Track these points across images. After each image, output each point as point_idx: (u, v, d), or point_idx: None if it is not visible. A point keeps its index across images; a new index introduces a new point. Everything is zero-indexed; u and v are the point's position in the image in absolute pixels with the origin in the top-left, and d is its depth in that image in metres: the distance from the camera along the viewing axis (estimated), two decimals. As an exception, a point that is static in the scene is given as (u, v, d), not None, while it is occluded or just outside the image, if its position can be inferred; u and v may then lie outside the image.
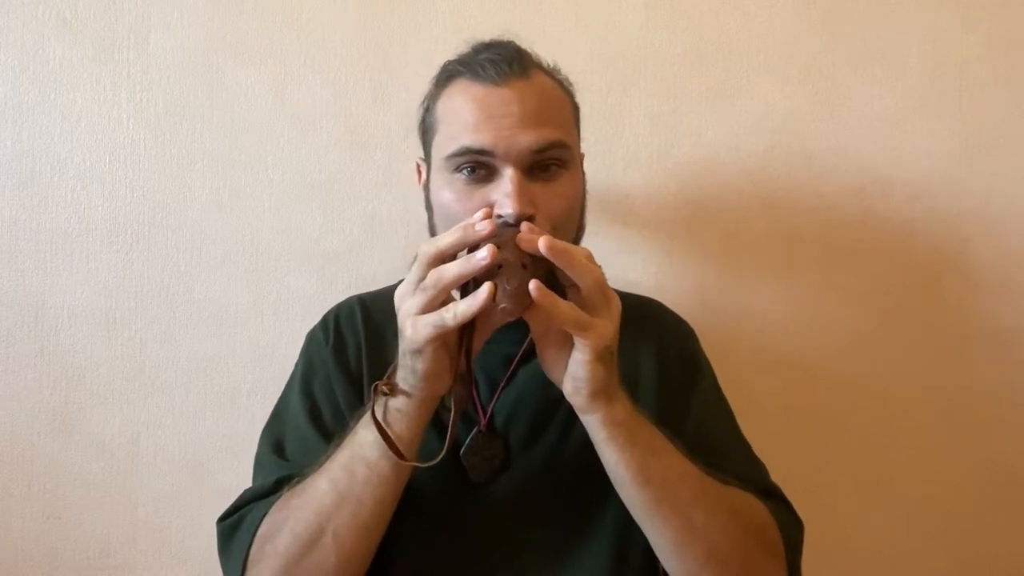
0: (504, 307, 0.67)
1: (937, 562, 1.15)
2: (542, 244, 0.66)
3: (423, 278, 0.69)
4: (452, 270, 0.68)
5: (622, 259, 1.13)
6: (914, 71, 1.12)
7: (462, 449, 0.83)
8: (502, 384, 0.85)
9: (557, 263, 0.67)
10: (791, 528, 0.82)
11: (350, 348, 0.89)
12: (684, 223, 1.13)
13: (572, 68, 1.10)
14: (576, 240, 0.86)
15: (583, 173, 0.88)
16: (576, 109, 0.88)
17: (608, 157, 1.12)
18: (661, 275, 1.13)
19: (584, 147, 1.09)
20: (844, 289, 1.14)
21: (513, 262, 0.68)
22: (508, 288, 0.67)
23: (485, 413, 0.85)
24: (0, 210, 1.13)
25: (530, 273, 0.67)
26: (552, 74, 0.86)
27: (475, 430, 0.84)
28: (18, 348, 1.13)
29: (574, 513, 0.80)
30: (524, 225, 0.70)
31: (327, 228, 1.13)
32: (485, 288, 0.66)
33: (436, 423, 0.80)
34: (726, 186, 1.13)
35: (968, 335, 1.14)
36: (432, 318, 0.68)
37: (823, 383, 1.14)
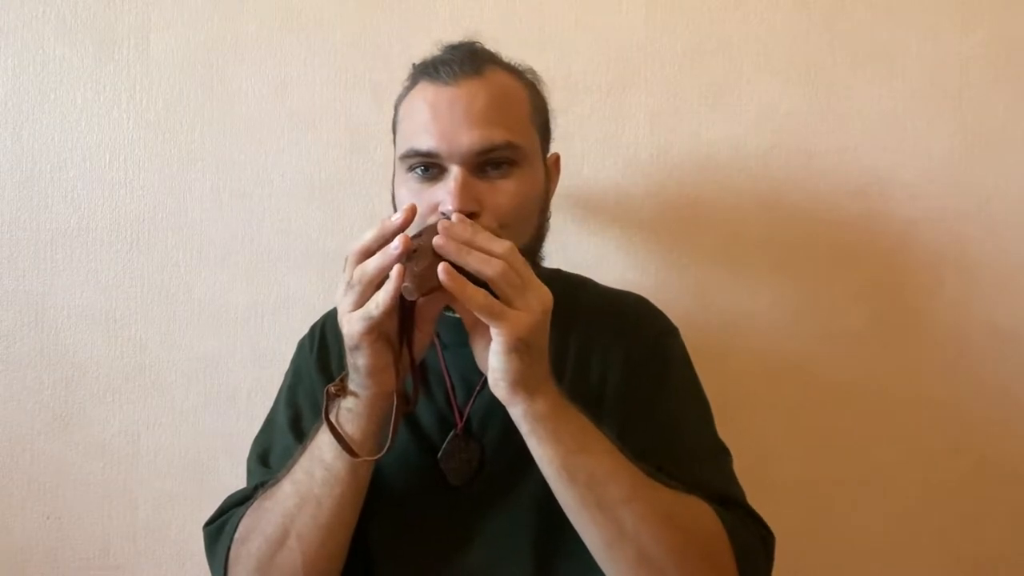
0: (406, 286, 0.67)
1: (935, 562, 1.15)
2: (436, 240, 0.68)
3: (352, 276, 0.71)
4: (372, 263, 0.70)
5: (622, 259, 1.13)
6: (914, 71, 1.12)
7: (440, 453, 0.84)
8: (478, 387, 0.85)
9: (448, 258, 0.68)
10: (747, 537, 0.78)
11: (332, 355, 0.90)
12: (684, 223, 1.13)
13: (572, 68, 1.11)
14: (537, 238, 0.85)
15: (549, 170, 0.88)
16: (539, 107, 0.86)
17: (608, 157, 1.12)
18: (661, 275, 1.13)
19: (584, 147, 1.10)
20: (844, 289, 1.14)
21: (426, 247, 0.69)
22: (416, 270, 0.68)
23: (462, 416, 0.85)
24: (0, 210, 1.13)
25: (444, 258, 0.68)
26: (514, 71, 0.85)
27: (452, 434, 0.84)
28: (18, 348, 1.13)
29: (551, 513, 0.79)
30: (454, 215, 0.72)
31: (327, 228, 1.13)
32: (394, 272, 0.68)
33: (411, 424, 0.83)
34: (726, 186, 1.13)
35: (967, 335, 1.14)
36: (360, 312, 0.70)
37: (822, 382, 1.14)
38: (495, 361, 0.71)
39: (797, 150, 1.12)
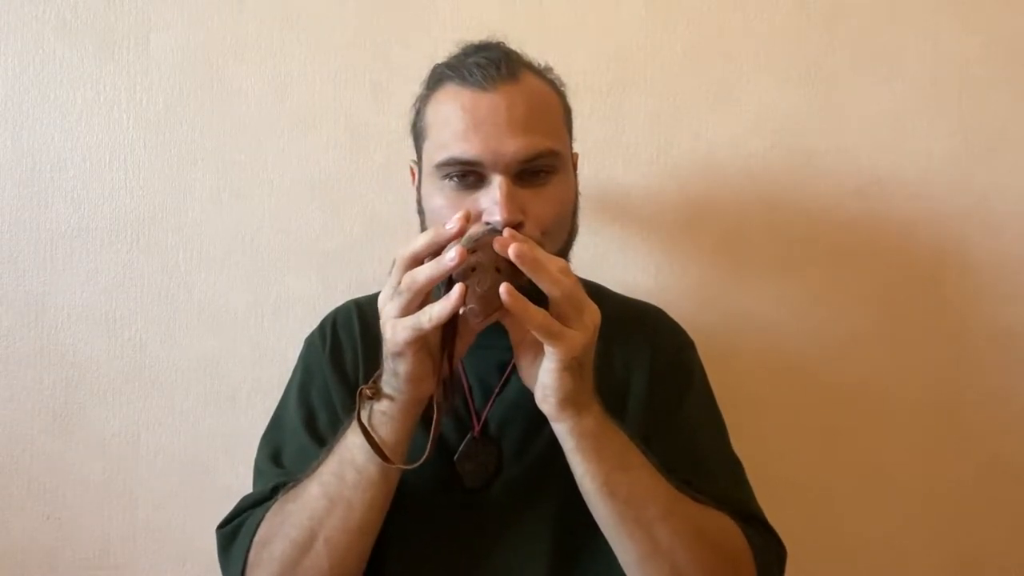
0: (472, 308, 0.67)
1: (937, 562, 1.15)
2: (512, 251, 0.66)
3: (400, 282, 0.70)
4: (424, 272, 0.69)
5: (622, 259, 1.13)
6: (914, 71, 1.12)
7: (456, 455, 0.83)
8: (496, 390, 0.85)
9: (525, 271, 0.67)
10: (767, 555, 0.80)
11: (347, 353, 0.89)
12: (684, 223, 1.13)
13: (572, 68, 1.09)
14: (569, 242, 0.85)
15: (576, 174, 0.88)
16: (568, 110, 0.86)
17: (608, 157, 1.12)
18: (661, 275, 1.13)
19: (584, 147, 1.09)
20: (844, 289, 1.14)
21: (487, 265, 0.68)
22: (478, 291, 0.67)
23: (479, 419, 0.84)
24: (0, 210, 1.13)
25: (504, 277, 0.67)
26: (543, 75, 0.84)
27: (469, 436, 0.84)
28: (18, 348, 1.13)
29: (568, 518, 0.80)
30: (506, 230, 0.70)
31: (327, 228, 1.13)
32: (456, 291, 0.67)
33: (428, 426, 0.81)
34: (726, 186, 1.13)
35: (968, 335, 1.14)
36: (410, 321, 0.69)
37: (822, 383, 1.14)
38: (547, 378, 0.71)
39: (797, 150, 1.12)
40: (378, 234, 1.12)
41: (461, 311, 0.68)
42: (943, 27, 1.11)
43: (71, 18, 1.12)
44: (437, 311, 0.68)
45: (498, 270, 0.68)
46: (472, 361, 0.86)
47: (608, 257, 1.13)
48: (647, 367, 0.87)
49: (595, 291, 0.94)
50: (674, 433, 0.84)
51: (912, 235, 1.13)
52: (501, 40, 0.84)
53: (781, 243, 1.13)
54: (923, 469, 1.14)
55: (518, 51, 0.84)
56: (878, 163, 1.12)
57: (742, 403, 1.09)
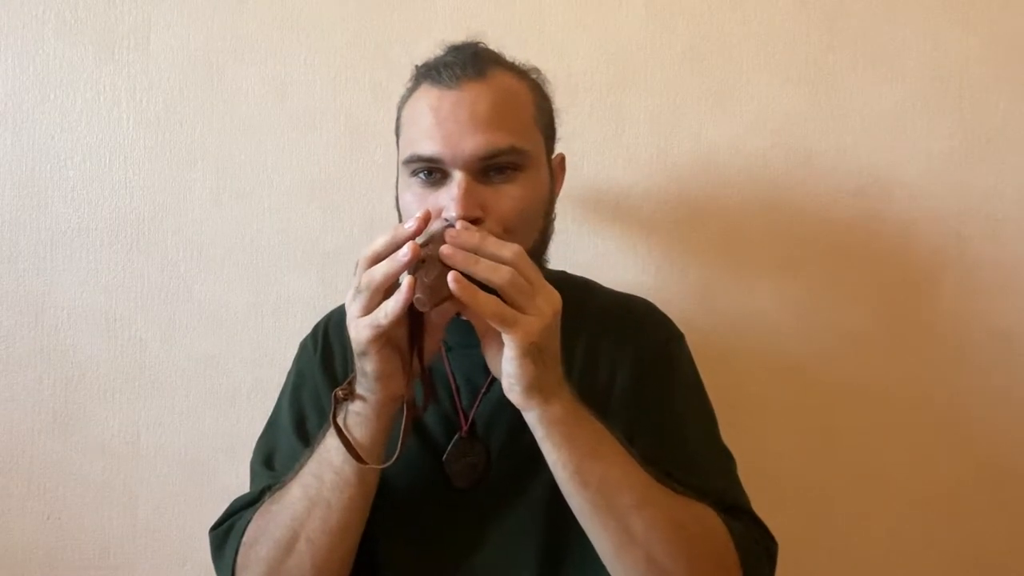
0: (418, 297, 0.67)
1: (935, 562, 1.15)
2: (443, 249, 0.68)
3: (361, 281, 0.71)
4: (380, 270, 0.70)
5: (622, 259, 1.13)
6: (914, 71, 1.12)
7: (444, 455, 0.83)
8: (482, 389, 0.85)
9: (455, 268, 0.68)
10: (752, 547, 0.79)
11: (337, 357, 0.90)
12: (684, 223, 1.13)
13: (572, 68, 1.11)
14: (542, 241, 0.85)
15: (554, 172, 0.87)
16: (543, 109, 0.85)
17: (608, 157, 1.12)
18: (661, 275, 1.13)
19: (584, 147, 1.10)
20: (844, 289, 1.14)
21: (435, 256, 0.69)
22: (426, 280, 0.68)
23: (466, 419, 0.84)
24: (0, 210, 1.13)
25: (451, 266, 0.68)
26: (521, 73, 0.84)
27: (457, 436, 0.84)
28: (18, 348, 1.13)
29: (558, 515, 0.79)
30: (459, 224, 0.72)
31: (327, 228, 1.13)
32: (405, 283, 0.68)
33: (416, 427, 0.82)
34: (726, 186, 1.13)
35: (967, 335, 1.14)
36: (369, 319, 0.70)
37: (821, 383, 1.14)
38: (509, 367, 0.71)
39: (797, 150, 1.12)
40: (378, 234, 1.12)
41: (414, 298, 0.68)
42: (943, 27, 1.11)
43: (71, 18, 1.12)
44: (391, 306, 0.68)
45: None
46: (458, 360, 0.86)
47: (608, 257, 1.13)
48: (633, 361, 0.87)
49: (584, 286, 0.95)
50: (661, 426, 0.84)
51: (912, 235, 1.13)
52: (480, 40, 0.84)
53: (781, 243, 1.13)
54: (923, 469, 1.14)
55: (496, 50, 0.84)
56: (878, 163, 1.12)
57: (742, 403, 1.10)
